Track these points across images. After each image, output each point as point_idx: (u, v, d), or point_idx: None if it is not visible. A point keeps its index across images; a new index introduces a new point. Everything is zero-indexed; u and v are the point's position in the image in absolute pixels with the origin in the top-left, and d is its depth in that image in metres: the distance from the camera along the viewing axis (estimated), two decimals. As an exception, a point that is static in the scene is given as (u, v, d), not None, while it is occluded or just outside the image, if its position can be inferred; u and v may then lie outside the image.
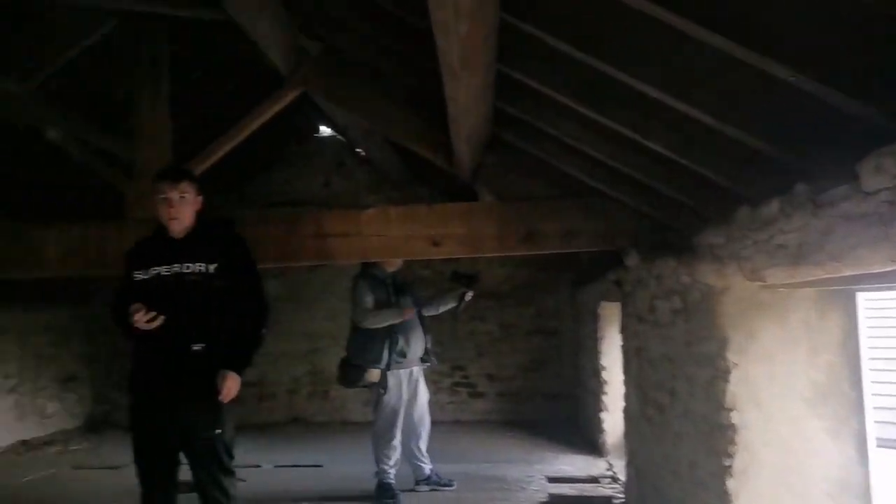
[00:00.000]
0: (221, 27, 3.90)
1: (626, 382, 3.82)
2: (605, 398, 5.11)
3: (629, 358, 3.76)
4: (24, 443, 6.30)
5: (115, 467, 5.22)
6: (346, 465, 5.12)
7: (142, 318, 2.48)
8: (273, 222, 3.87)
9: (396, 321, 4.17)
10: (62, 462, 5.58)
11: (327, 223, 3.73)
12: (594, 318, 5.34)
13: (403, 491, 4.24)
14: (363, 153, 7.22)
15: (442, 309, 4.59)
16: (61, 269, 3.96)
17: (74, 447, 6.21)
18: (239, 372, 2.66)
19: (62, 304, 7.15)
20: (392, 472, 4.23)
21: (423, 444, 4.40)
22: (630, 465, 3.83)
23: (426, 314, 4.45)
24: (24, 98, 3.93)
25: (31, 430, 6.53)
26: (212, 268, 2.66)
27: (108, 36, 3.92)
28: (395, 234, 3.61)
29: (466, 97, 2.29)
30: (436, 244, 3.56)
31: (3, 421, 6.28)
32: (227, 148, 3.94)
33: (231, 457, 2.69)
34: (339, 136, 7.32)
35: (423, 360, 4.37)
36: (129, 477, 4.73)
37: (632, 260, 3.53)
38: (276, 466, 5.13)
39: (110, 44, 4.11)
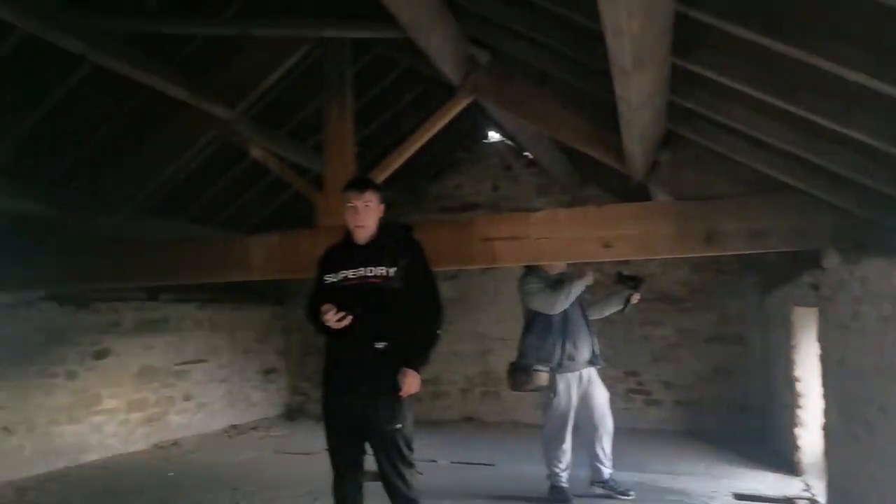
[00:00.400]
0: (398, 44, 4.16)
1: (826, 396, 3.46)
2: (800, 412, 4.65)
3: (829, 369, 3.40)
4: (234, 426, 7.14)
5: (309, 454, 5.74)
6: (518, 465, 5.17)
7: (332, 318, 2.71)
8: (444, 227, 4.03)
9: (577, 290, 4.11)
10: (264, 446, 6.22)
11: (495, 227, 3.81)
12: (786, 325, 4.89)
13: (578, 496, 4.17)
14: (531, 157, 7.25)
15: (607, 312, 4.49)
16: (263, 273, 4.44)
17: (275, 433, 6.89)
18: (418, 370, 2.81)
19: (264, 305, 8.01)
20: (564, 475, 4.20)
21: (607, 445, 4.26)
22: (831, 486, 3.47)
23: (591, 317, 4.37)
24: (232, 123, 4.47)
25: (239, 416, 7.37)
26: (392, 271, 2.83)
27: (298, 60, 4.34)
28: (563, 237, 3.59)
29: (639, 96, 2.22)
30: (607, 246, 3.49)
31: (218, 407, 7.16)
32: (405, 157, 4.18)
33: (411, 449, 2.85)
34: (507, 141, 7.42)
35: (591, 362, 4.29)
36: (320, 463, 5.21)
37: (830, 261, 3.19)
38: (451, 462, 5.30)
39: (299, 66, 4.55)
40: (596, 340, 4.33)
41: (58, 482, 4.92)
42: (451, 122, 4.18)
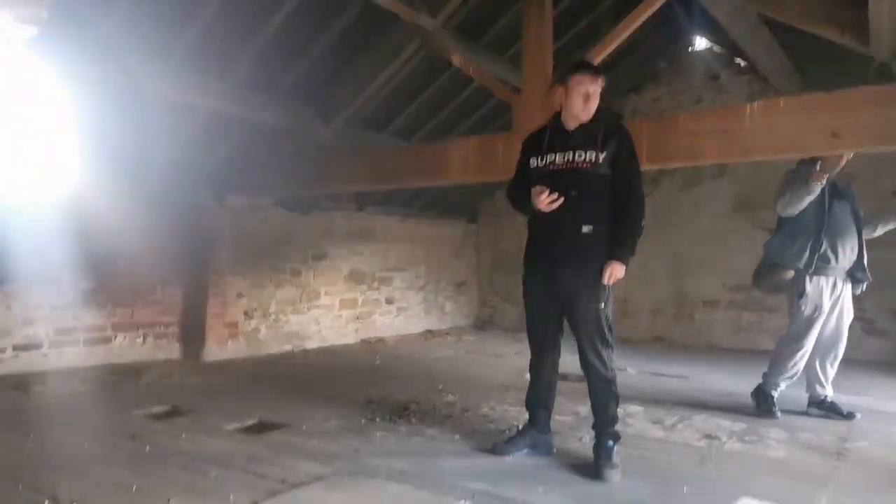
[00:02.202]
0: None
1: None
2: None
3: None
4: (429, 331, 7.68)
5: (500, 356, 6.04)
6: (711, 379, 5.01)
7: (545, 200, 2.77)
8: (646, 123, 3.88)
9: (812, 191, 3.66)
10: (458, 348, 6.63)
11: (703, 122, 3.61)
12: None
13: (786, 412, 3.87)
14: (742, 63, 6.67)
15: (881, 229, 4.01)
16: (461, 177, 4.65)
17: (466, 338, 7.31)
18: (623, 261, 2.82)
19: (458, 223, 8.39)
20: (782, 385, 3.92)
21: (833, 368, 3.94)
22: None
23: (865, 233, 3.93)
24: (434, 32, 4.63)
25: (434, 323, 7.92)
26: (600, 157, 2.82)
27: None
28: (783, 127, 3.31)
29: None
30: (834, 136, 3.15)
31: (415, 312, 7.75)
32: (600, 58, 4.07)
33: (610, 330, 2.88)
34: (714, 48, 6.88)
35: (854, 277, 3.90)
36: (511, 363, 5.51)
37: None
38: (640, 372, 5.26)
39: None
40: (865, 254, 3.90)
41: (287, 360, 5.69)
42: (652, 28, 3.96)
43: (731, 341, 6.65)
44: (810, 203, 3.75)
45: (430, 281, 7.95)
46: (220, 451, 3.00)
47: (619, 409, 2.96)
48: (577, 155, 2.83)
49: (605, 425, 2.87)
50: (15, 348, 4.57)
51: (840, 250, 3.80)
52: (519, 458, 2.98)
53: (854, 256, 3.85)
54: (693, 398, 4.38)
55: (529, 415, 3.11)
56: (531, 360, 3.11)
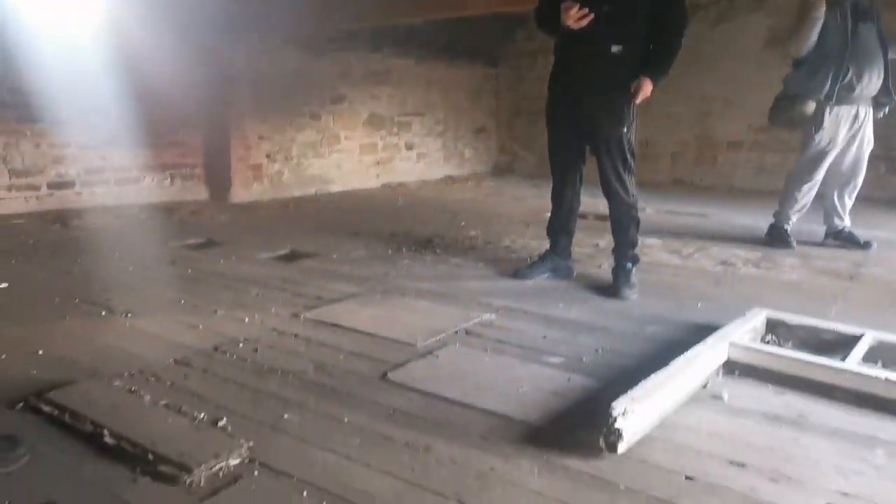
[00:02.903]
0: None
1: None
2: None
3: None
4: (449, 177, 7.72)
5: (519, 198, 6.11)
6: (732, 216, 5.07)
7: (574, 15, 2.64)
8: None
9: (815, 22, 3.54)
10: (478, 192, 6.70)
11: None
12: None
13: (802, 243, 3.95)
14: None
15: None
16: (484, 8, 4.45)
17: (486, 184, 7.36)
18: (655, 80, 2.75)
19: (476, 66, 8.12)
20: (794, 218, 3.95)
21: (850, 199, 3.93)
22: None
23: (891, 56, 3.72)
24: None
25: (453, 168, 7.93)
26: None
27: None
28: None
29: None
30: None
31: (435, 158, 7.74)
32: None
33: (633, 156, 2.89)
34: None
35: (878, 102, 3.76)
36: (530, 203, 5.59)
37: None
38: (658, 211, 5.32)
39: None
40: (893, 76, 3.73)
41: (311, 202, 5.81)
42: None
43: (752, 183, 6.63)
44: (833, 29, 3.57)
45: (449, 127, 7.86)
46: (257, 274, 3.17)
47: (638, 236, 3.04)
48: (609, -33, 2.69)
49: (624, 248, 2.97)
50: (49, 186, 4.71)
51: (866, 76, 3.65)
52: (540, 281, 3.12)
53: (880, 82, 3.70)
54: (711, 231, 4.47)
55: (551, 241, 3.21)
56: (553, 187, 3.14)
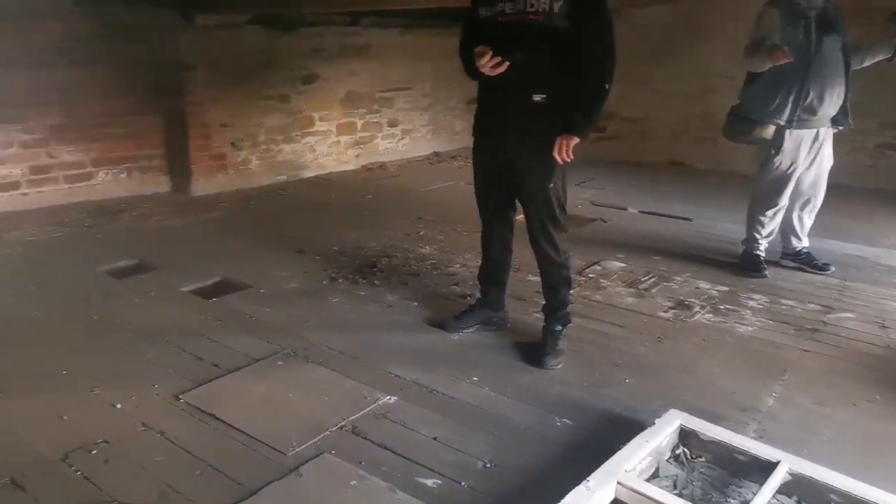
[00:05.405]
0: None
1: None
2: None
3: None
4: (436, 153, 7.37)
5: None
6: (718, 221, 4.71)
7: (487, 63, 2.32)
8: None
9: (761, 68, 3.30)
10: (460, 176, 6.33)
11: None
12: None
13: (780, 267, 3.76)
14: None
15: (870, 60, 3.44)
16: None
17: (472, 163, 6.99)
18: (580, 134, 2.41)
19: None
20: (763, 243, 3.72)
21: (809, 219, 3.72)
22: None
23: (852, 66, 3.39)
24: None
25: (442, 144, 7.56)
26: (556, 6, 2.29)
27: None
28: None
29: None
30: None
31: (422, 134, 7.37)
32: None
33: (563, 210, 2.58)
34: None
35: (835, 121, 3.47)
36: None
37: None
38: (641, 212, 4.98)
39: None
40: (850, 96, 3.42)
41: (275, 195, 5.53)
42: None
43: (752, 167, 6.15)
44: (794, 45, 3.20)
45: (439, 99, 7.43)
46: (166, 322, 2.97)
47: (571, 292, 2.76)
48: (528, 4, 2.31)
49: (554, 309, 2.70)
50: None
51: (827, 97, 3.32)
52: (467, 336, 2.87)
53: (840, 101, 3.38)
54: (686, 247, 4.18)
55: (481, 290, 2.95)
56: (481, 234, 2.88)
